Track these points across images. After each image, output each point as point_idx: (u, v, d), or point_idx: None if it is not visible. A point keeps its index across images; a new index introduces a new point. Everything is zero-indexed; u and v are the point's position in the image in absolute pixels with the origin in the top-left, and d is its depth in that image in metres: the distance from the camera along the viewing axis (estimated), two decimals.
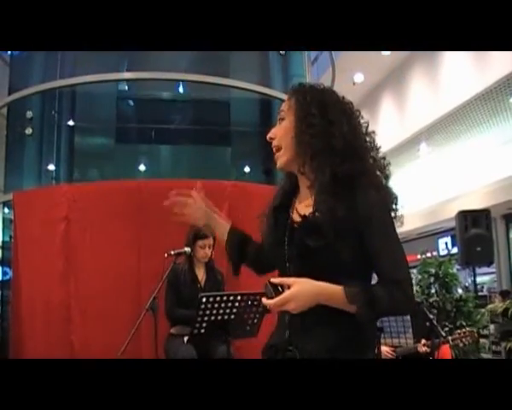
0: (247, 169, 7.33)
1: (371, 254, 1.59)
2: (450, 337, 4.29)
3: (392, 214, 1.65)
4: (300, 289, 1.53)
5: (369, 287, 1.57)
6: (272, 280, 1.56)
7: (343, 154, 1.62)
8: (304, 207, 1.72)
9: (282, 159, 1.74)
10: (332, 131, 1.64)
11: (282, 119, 1.75)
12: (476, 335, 4.44)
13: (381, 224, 1.59)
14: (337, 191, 1.58)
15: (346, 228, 1.56)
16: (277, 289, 1.54)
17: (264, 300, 1.56)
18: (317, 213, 1.62)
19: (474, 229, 6.66)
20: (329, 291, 1.54)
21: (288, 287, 1.53)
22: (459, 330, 4.45)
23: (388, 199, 1.65)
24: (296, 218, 1.72)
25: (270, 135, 1.76)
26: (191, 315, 3.99)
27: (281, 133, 1.74)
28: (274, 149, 1.75)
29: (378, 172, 1.69)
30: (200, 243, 4.22)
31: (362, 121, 1.75)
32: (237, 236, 1.96)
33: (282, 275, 1.70)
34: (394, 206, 1.66)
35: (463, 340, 4.25)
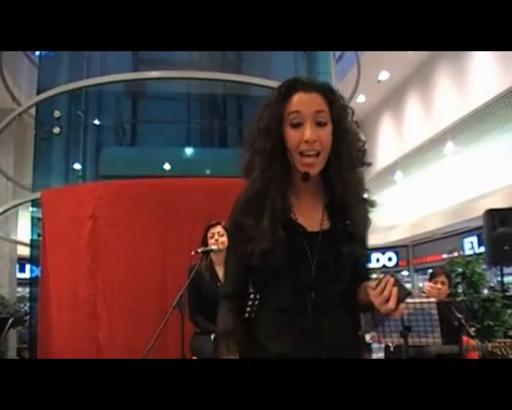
0: None
1: (359, 258, 1.74)
2: (490, 344, 4.25)
3: None
4: None
5: None
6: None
7: (361, 168, 1.73)
8: (314, 213, 1.71)
9: (319, 167, 1.64)
10: (363, 148, 1.72)
11: (325, 123, 1.62)
12: None
13: (367, 234, 1.78)
14: (362, 204, 1.73)
15: (360, 236, 1.73)
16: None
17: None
18: (348, 222, 1.68)
19: (501, 228, 6.54)
20: None
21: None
22: (499, 340, 4.40)
23: None
24: (310, 223, 1.69)
25: (313, 137, 1.59)
26: (208, 328, 4.00)
27: (325, 139, 1.62)
28: (311, 153, 1.60)
29: None
30: (209, 233, 4.22)
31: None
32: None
33: (298, 282, 1.67)
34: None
35: (502, 350, 4.20)
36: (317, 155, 1.61)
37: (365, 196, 1.76)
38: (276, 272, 1.67)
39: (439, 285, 4.54)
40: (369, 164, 1.74)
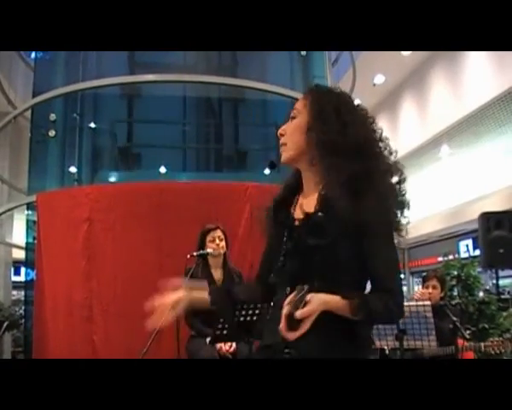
0: (267, 171, 7.35)
1: (368, 260, 1.62)
2: (482, 344, 4.27)
3: (402, 221, 1.68)
4: (315, 300, 1.53)
5: (366, 299, 1.59)
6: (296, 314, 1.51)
7: (353, 156, 1.64)
8: (308, 204, 1.73)
9: (286, 153, 1.78)
10: (345, 132, 1.66)
11: (294, 117, 1.78)
12: (510, 344, 4.38)
13: (380, 231, 1.62)
14: (343, 192, 1.60)
15: (348, 230, 1.59)
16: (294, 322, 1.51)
17: (288, 333, 1.52)
18: (320, 213, 1.65)
19: (496, 231, 6.56)
20: (336, 303, 1.56)
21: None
22: (491, 339, 4.44)
23: (392, 207, 1.66)
24: (298, 215, 1.74)
25: (280, 131, 1.80)
26: (204, 332, 3.99)
27: (290, 130, 1.77)
28: (281, 146, 1.79)
29: (390, 178, 1.70)
30: (209, 237, 4.21)
31: (376, 128, 1.77)
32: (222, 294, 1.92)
33: (277, 273, 1.73)
34: (401, 214, 1.68)
35: (495, 349, 4.22)
36: (285, 143, 1.78)
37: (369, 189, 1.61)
38: (271, 263, 1.79)
39: (430, 289, 4.56)
40: (345, 151, 1.64)
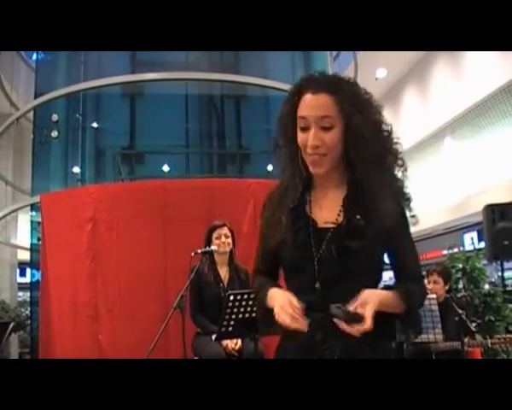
0: (269, 167, 7.35)
1: (398, 256, 1.74)
2: (489, 341, 4.26)
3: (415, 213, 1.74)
4: (373, 303, 1.54)
5: (409, 289, 1.68)
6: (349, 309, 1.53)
7: (382, 161, 1.67)
8: (330, 208, 1.70)
9: (325, 166, 1.66)
10: (377, 139, 1.66)
11: (330, 128, 1.63)
12: None
13: (405, 229, 1.72)
14: (376, 198, 1.63)
15: (381, 232, 1.63)
16: (353, 316, 1.53)
17: (356, 328, 1.52)
18: (358, 217, 1.65)
19: (501, 222, 6.54)
20: (386, 296, 1.62)
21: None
22: (499, 336, 4.43)
23: (404, 200, 1.73)
24: (321, 218, 1.70)
25: (317, 143, 1.63)
26: (209, 329, 4.00)
27: (328, 142, 1.63)
28: (317, 156, 1.64)
29: (399, 174, 1.72)
30: (215, 234, 4.22)
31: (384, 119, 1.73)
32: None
33: (305, 276, 1.68)
34: (409, 207, 1.73)
35: (502, 346, 4.22)
36: (324, 154, 1.64)
37: (397, 189, 1.69)
38: (286, 265, 1.76)
39: (431, 285, 4.56)
40: (394, 154, 1.70)
